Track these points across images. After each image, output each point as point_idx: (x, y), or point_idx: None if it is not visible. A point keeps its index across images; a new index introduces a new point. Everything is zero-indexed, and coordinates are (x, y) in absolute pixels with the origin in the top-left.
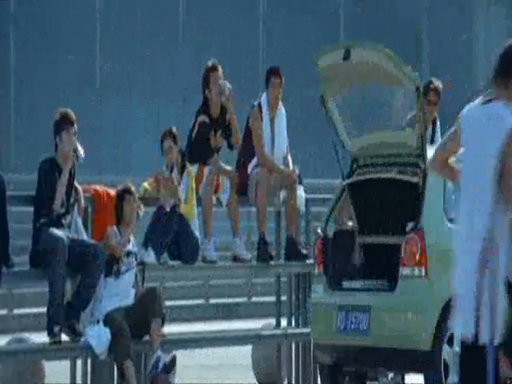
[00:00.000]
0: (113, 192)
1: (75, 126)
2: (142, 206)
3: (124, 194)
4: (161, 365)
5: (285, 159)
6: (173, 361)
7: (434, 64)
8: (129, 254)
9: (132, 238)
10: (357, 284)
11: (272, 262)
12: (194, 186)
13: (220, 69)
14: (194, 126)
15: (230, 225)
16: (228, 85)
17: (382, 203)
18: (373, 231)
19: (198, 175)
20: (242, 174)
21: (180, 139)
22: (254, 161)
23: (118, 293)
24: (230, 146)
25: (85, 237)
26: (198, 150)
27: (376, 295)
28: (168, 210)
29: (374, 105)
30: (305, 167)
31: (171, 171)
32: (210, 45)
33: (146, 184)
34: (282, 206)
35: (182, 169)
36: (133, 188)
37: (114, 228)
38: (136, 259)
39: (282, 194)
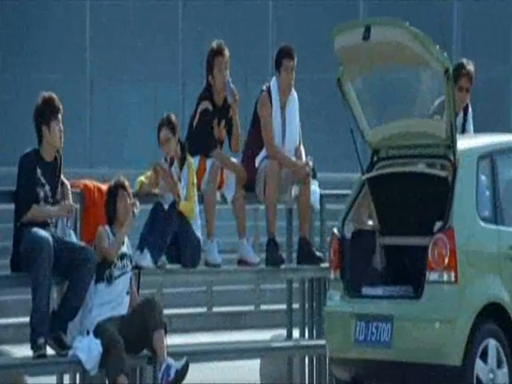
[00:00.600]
0: (104, 187)
1: (61, 111)
2: (137, 204)
3: (117, 189)
4: (172, 373)
5: (297, 150)
6: (186, 367)
7: (465, 45)
8: (123, 256)
9: (126, 239)
10: (378, 290)
11: (283, 266)
12: (195, 181)
13: (227, 52)
14: (195, 113)
15: (235, 224)
16: (235, 90)
17: (407, 200)
18: (396, 231)
19: (200, 169)
20: (250, 167)
21: (179, 129)
22: (263, 152)
23: (110, 300)
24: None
25: (73, 238)
26: (200, 141)
27: (399, 303)
28: (166, 207)
29: (397, 89)
30: (318, 159)
31: (171, 164)
32: (212, 24)
33: (142, 178)
34: (293, 203)
35: (182, 162)
36: (126, 182)
37: (106, 228)
38: (131, 263)
39: (294, 190)
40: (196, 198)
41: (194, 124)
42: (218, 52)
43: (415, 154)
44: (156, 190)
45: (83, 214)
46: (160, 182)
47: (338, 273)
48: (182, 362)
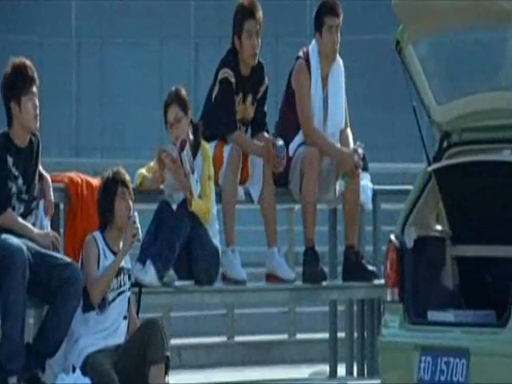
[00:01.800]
0: (96, 182)
1: (36, 83)
2: (139, 235)
3: (116, 185)
4: None
5: (342, 134)
6: None
7: None
8: (119, 271)
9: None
10: (449, 316)
11: (325, 283)
12: (211, 173)
13: (260, 14)
14: (214, 84)
15: (263, 229)
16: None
17: (487, 197)
18: (472, 238)
19: (217, 158)
20: None
21: (191, 106)
22: (299, 137)
23: (103, 329)
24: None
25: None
26: (217, 120)
27: (478, 333)
28: (175, 207)
29: (474, 54)
30: (369, 146)
31: (181, 150)
32: None
33: (143, 170)
34: (338, 202)
35: (195, 149)
36: (128, 177)
37: (96, 236)
38: (129, 279)
39: (339, 185)
40: (213, 195)
41: (213, 96)
42: (250, 13)
43: (498, 137)
44: (162, 186)
45: (68, 216)
46: (166, 174)
47: (397, 292)
48: None
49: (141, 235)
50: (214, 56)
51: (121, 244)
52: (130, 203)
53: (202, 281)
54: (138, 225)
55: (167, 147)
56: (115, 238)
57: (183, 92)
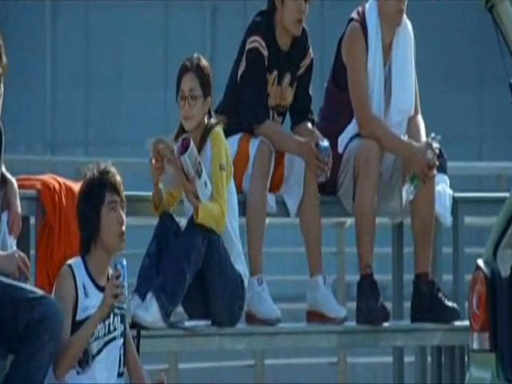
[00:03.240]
0: (78, 187)
1: (3, 60)
2: (125, 289)
3: (103, 189)
4: None
5: (411, 123)
6: None
7: None
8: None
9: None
10: None
11: (386, 325)
12: (224, 160)
13: None
14: (238, 59)
15: (303, 251)
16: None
17: None
18: None
19: (240, 155)
20: None
21: (213, 84)
22: (352, 128)
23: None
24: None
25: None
26: (243, 106)
27: None
28: (184, 223)
29: None
30: (444, 138)
31: (184, 149)
32: None
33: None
34: (405, 215)
35: (204, 135)
36: (118, 177)
37: (76, 265)
38: (122, 320)
39: (407, 192)
40: (234, 195)
41: (239, 73)
42: None
43: None
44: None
45: (41, 233)
46: (166, 166)
47: (487, 338)
48: None
49: (126, 294)
50: (236, 24)
51: (110, 271)
52: (123, 215)
53: (222, 320)
54: (125, 280)
55: (165, 139)
56: (102, 264)
57: (203, 62)
